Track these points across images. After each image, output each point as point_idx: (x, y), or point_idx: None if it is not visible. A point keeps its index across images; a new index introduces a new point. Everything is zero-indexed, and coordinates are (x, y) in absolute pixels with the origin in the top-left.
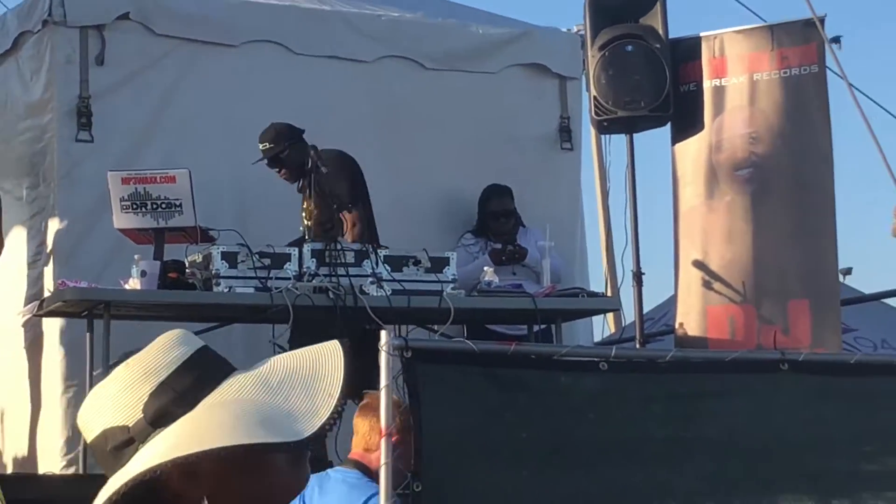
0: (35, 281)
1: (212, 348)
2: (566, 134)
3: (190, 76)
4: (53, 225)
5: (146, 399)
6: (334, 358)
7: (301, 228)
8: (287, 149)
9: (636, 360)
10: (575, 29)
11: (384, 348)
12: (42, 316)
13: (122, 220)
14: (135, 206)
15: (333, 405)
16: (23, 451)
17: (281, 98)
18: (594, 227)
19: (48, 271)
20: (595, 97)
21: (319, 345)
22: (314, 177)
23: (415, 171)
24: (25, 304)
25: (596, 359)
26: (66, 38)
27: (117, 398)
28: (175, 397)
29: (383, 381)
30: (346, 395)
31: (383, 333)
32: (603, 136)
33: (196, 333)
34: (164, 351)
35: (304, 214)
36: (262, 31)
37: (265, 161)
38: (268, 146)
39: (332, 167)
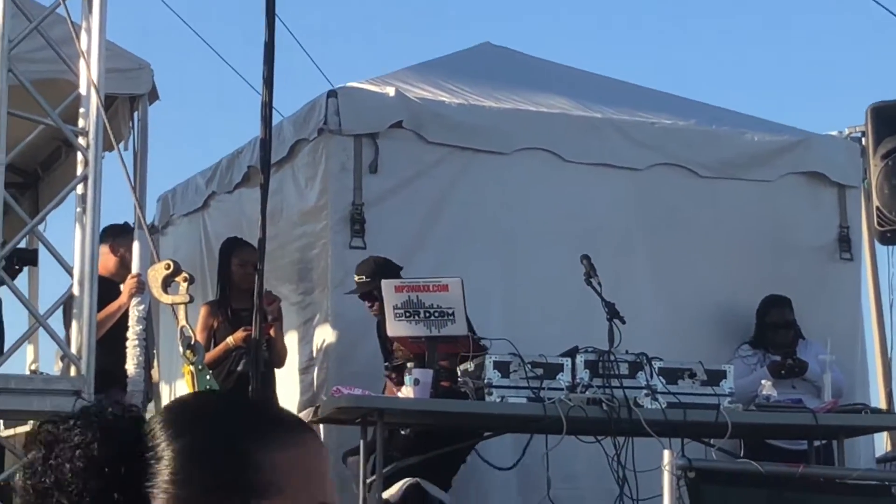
0: (308, 386)
1: None
2: (846, 244)
3: (461, 183)
4: (326, 331)
5: None
6: None
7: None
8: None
9: None
10: (847, 132)
11: (667, 468)
12: (317, 422)
13: (395, 328)
14: (408, 315)
15: None
16: None
17: (552, 205)
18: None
19: (320, 377)
20: (878, 207)
21: None
22: None
23: (688, 281)
24: (299, 409)
25: (888, 482)
26: (341, 146)
27: None
28: None
29: (666, 501)
30: None
31: (666, 453)
32: (882, 248)
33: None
34: None
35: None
36: (533, 138)
37: (359, 294)
38: (364, 280)
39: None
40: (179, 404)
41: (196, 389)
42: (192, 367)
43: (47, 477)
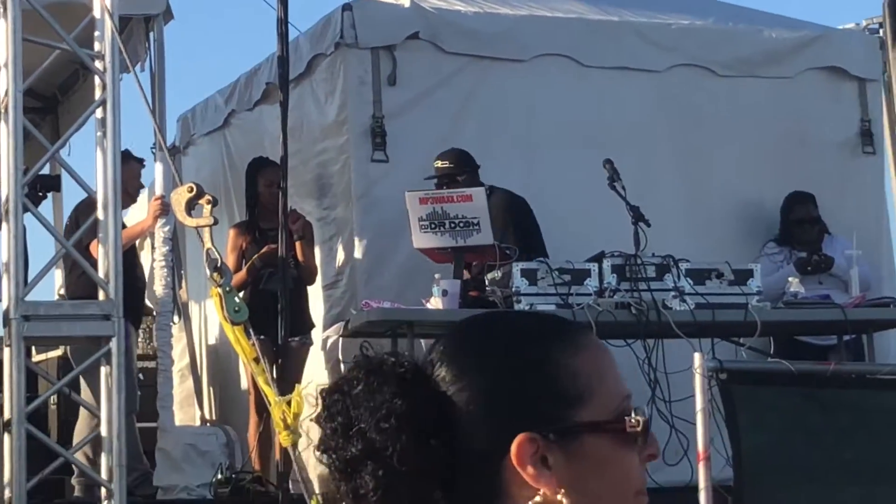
0: (336, 301)
1: None
2: (868, 138)
3: (481, 93)
4: (351, 245)
5: None
6: None
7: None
8: (465, 174)
9: None
10: (864, 24)
11: (698, 371)
12: (347, 336)
13: (421, 239)
14: (433, 226)
15: None
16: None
17: (572, 111)
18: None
19: (348, 292)
20: None
21: None
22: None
23: (711, 181)
24: (325, 325)
25: None
26: (358, 59)
27: None
28: None
29: (699, 405)
30: None
31: (696, 356)
32: None
33: None
34: None
35: None
36: (551, 44)
37: (435, 179)
38: (447, 165)
39: (500, 209)
40: (460, 335)
41: (225, 311)
42: (219, 290)
43: (353, 447)
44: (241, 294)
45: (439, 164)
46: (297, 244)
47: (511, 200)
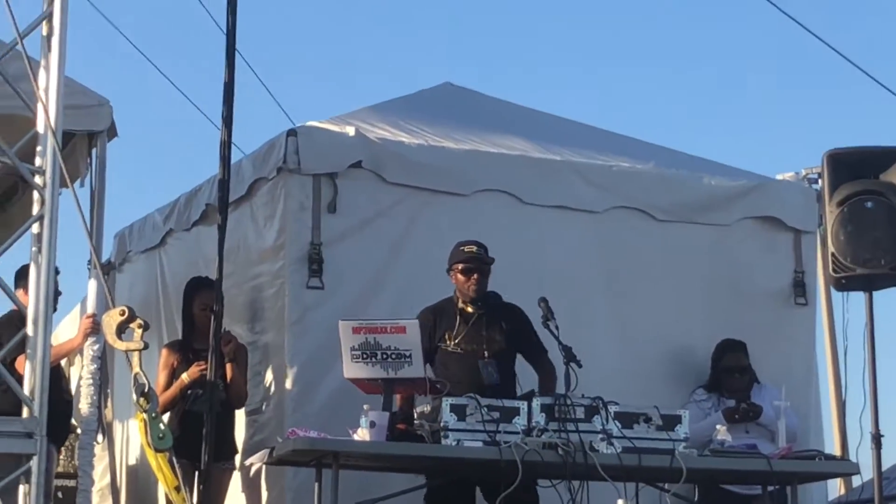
0: (260, 427)
1: None
2: (801, 289)
3: (420, 224)
4: (281, 372)
5: None
6: None
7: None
8: (490, 262)
9: None
10: (803, 173)
11: None
12: (272, 464)
13: (352, 369)
14: (365, 356)
15: None
16: None
17: (510, 247)
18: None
19: (275, 418)
20: (833, 254)
21: None
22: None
23: (644, 324)
24: (246, 450)
25: None
26: (299, 185)
27: None
28: None
29: None
30: None
31: (619, 502)
32: (837, 293)
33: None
34: None
35: (459, 342)
36: (493, 180)
37: (471, 263)
38: (479, 250)
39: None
40: None
41: (149, 437)
42: (144, 416)
43: None
44: (167, 415)
45: (475, 249)
46: (228, 366)
47: (516, 306)
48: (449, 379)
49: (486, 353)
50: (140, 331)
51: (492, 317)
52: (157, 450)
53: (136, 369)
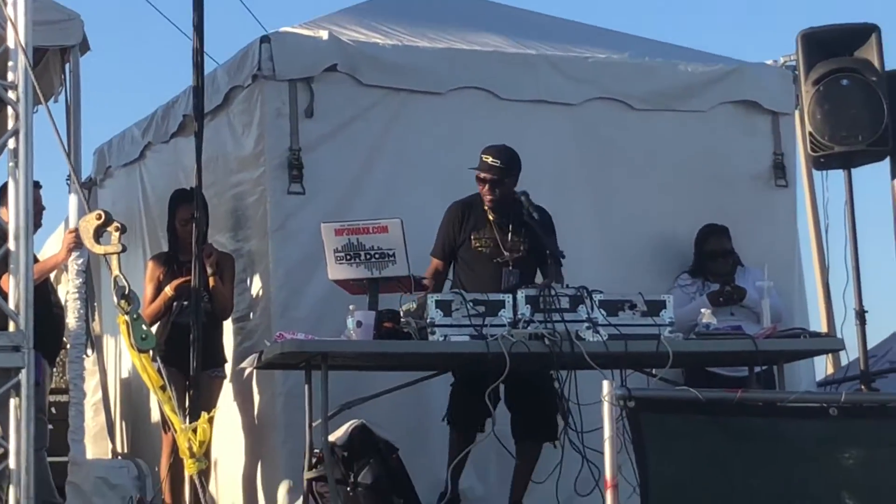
0: (248, 334)
1: None
2: (780, 171)
3: (398, 125)
4: (266, 278)
5: None
6: None
7: (488, 252)
8: (513, 177)
9: (867, 404)
10: (782, 60)
11: (606, 398)
12: (261, 368)
13: (336, 271)
14: (348, 257)
15: None
16: (239, 502)
17: (489, 142)
18: (808, 264)
19: (262, 324)
20: (811, 133)
21: None
22: (526, 217)
23: (626, 213)
24: (236, 357)
25: (825, 404)
26: (275, 91)
27: None
28: None
29: (607, 432)
30: None
31: (605, 383)
32: (819, 172)
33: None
34: None
35: (485, 243)
36: (467, 77)
37: (482, 173)
38: (500, 165)
39: (544, 218)
40: None
41: (132, 338)
42: (126, 317)
43: None
44: (155, 326)
45: (490, 159)
46: (211, 279)
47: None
48: (471, 278)
49: (509, 262)
50: (117, 234)
51: (518, 225)
52: (139, 350)
53: (116, 272)
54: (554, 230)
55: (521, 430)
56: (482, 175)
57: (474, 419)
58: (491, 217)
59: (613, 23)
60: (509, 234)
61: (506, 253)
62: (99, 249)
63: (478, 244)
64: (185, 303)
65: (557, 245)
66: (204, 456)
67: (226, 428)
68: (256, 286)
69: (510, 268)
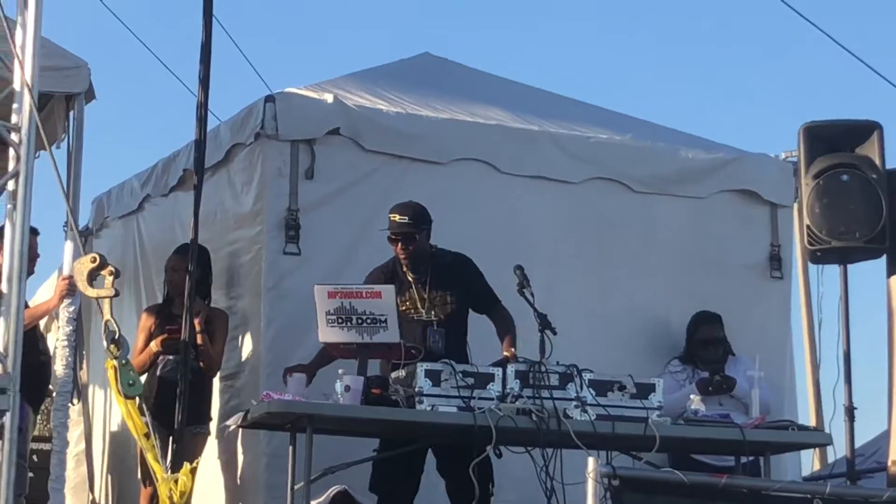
0: (236, 392)
1: None
2: (776, 262)
3: (397, 192)
4: (257, 337)
5: None
6: None
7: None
8: (423, 231)
9: (850, 498)
10: (783, 156)
11: (591, 475)
12: (246, 427)
13: (327, 333)
14: (340, 321)
15: None
16: None
17: (486, 215)
18: (800, 358)
19: (250, 383)
20: (808, 226)
21: None
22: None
23: (620, 295)
24: (221, 416)
25: (809, 495)
26: (277, 151)
27: None
28: None
29: None
30: None
31: (591, 460)
32: (813, 266)
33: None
34: None
35: (409, 305)
36: (470, 149)
37: (393, 232)
38: (408, 221)
39: (468, 265)
40: None
41: (119, 384)
42: (115, 362)
43: None
44: (142, 377)
45: (397, 217)
46: (199, 337)
47: (466, 258)
48: (408, 341)
49: (435, 319)
50: (111, 278)
51: (438, 279)
52: (126, 396)
53: (107, 316)
54: (481, 275)
55: (455, 497)
56: (393, 234)
57: (403, 493)
58: (410, 277)
59: (617, 105)
60: (430, 291)
61: (423, 312)
62: (92, 293)
63: (403, 307)
64: (171, 358)
65: (491, 290)
66: None
67: (209, 486)
68: (247, 345)
69: (434, 327)
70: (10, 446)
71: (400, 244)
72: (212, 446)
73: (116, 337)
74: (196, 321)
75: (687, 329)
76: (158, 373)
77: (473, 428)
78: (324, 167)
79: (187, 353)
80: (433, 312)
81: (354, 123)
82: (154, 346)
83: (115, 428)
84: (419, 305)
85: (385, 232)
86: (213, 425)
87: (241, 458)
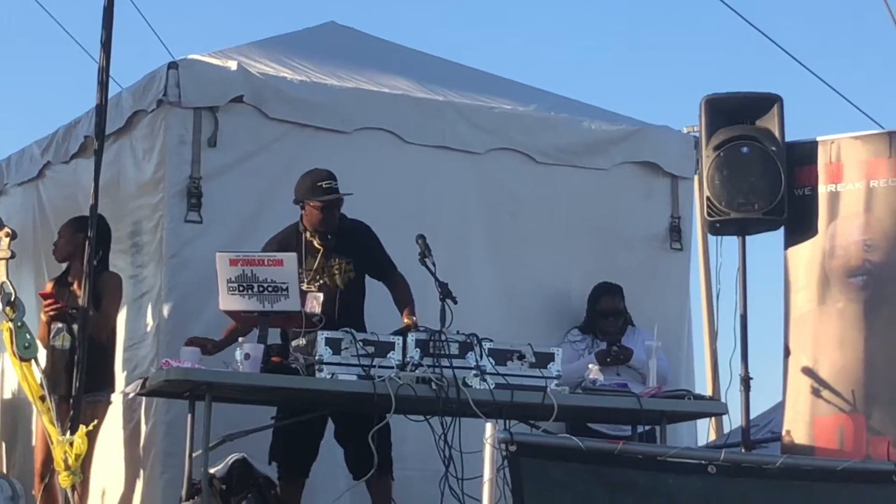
0: (141, 361)
1: None
2: (676, 234)
3: (301, 161)
4: (159, 305)
5: None
6: None
7: (317, 282)
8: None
9: (745, 464)
10: (685, 130)
11: (489, 441)
12: (144, 395)
13: (228, 301)
14: (241, 289)
15: None
16: None
17: (390, 185)
18: (698, 328)
19: (152, 351)
20: (708, 197)
21: None
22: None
23: (522, 265)
24: (126, 383)
25: (704, 461)
26: (179, 118)
27: None
28: None
29: (487, 475)
30: None
31: (488, 426)
32: (713, 238)
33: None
34: None
35: (309, 271)
36: (374, 118)
37: (326, 195)
38: (337, 187)
39: (366, 231)
40: None
41: (14, 346)
42: (10, 324)
43: None
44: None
45: (333, 183)
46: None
47: (364, 225)
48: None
49: (338, 286)
50: (7, 239)
51: (339, 245)
52: (21, 359)
53: (2, 278)
54: (378, 241)
55: (354, 464)
56: (332, 203)
57: (302, 460)
58: (316, 243)
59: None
60: (334, 258)
61: (326, 279)
62: None
63: (305, 284)
64: (60, 326)
65: (388, 256)
66: (80, 470)
67: (112, 456)
68: (150, 313)
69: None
70: None
71: (334, 209)
72: (117, 414)
73: (13, 299)
74: (48, 286)
75: (588, 300)
76: (54, 342)
77: (373, 396)
78: (227, 135)
79: (86, 320)
80: (336, 279)
81: (258, 91)
82: (42, 315)
83: (10, 396)
84: (325, 274)
85: (291, 199)
86: (117, 395)
87: (143, 427)
